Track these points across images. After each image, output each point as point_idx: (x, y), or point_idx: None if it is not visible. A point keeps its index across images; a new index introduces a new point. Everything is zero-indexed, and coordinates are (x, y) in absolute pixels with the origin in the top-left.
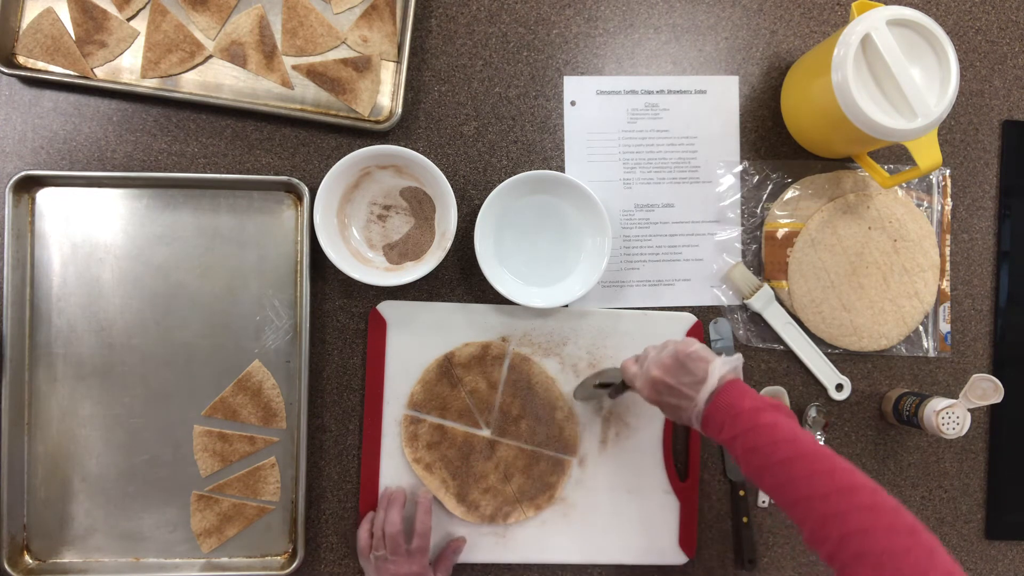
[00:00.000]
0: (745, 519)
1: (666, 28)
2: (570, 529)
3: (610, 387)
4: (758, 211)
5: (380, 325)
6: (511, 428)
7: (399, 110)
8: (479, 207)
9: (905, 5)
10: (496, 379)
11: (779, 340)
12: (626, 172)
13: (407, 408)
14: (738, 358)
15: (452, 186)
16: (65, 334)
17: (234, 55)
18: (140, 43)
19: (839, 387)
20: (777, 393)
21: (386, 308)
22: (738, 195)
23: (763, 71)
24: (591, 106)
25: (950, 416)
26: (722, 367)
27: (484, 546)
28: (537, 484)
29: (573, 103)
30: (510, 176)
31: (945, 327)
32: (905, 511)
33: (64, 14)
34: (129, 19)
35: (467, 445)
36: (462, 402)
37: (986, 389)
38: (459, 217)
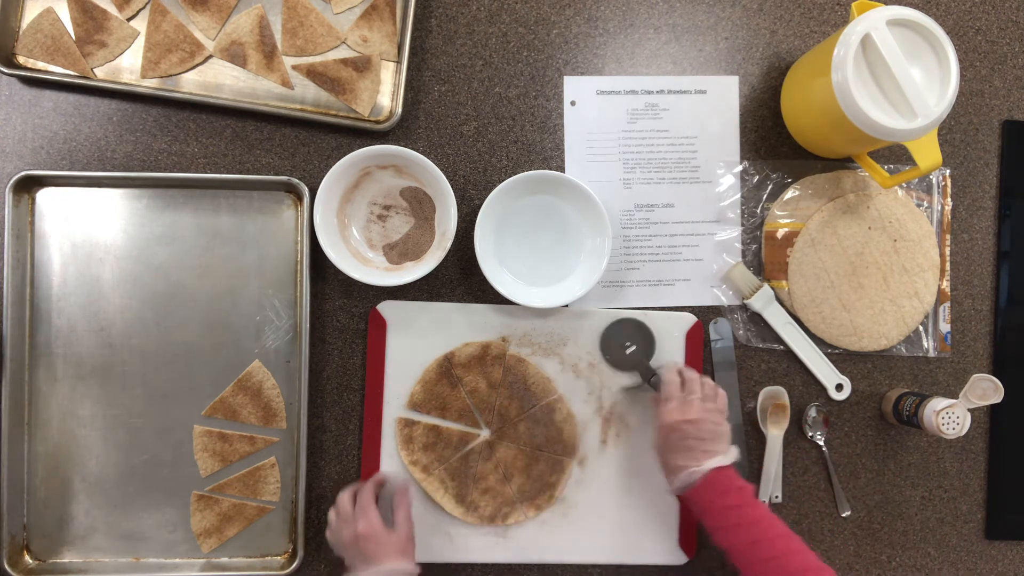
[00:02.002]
0: None
1: (666, 28)
2: (570, 529)
3: (642, 375)
4: (758, 211)
5: (380, 325)
6: (510, 430)
7: (399, 110)
8: (479, 207)
9: (905, 5)
10: (496, 379)
11: (779, 340)
12: (626, 172)
13: (406, 408)
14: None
15: (452, 186)
16: (65, 334)
17: (234, 55)
18: (140, 43)
19: (839, 387)
20: (777, 393)
21: (386, 308)
22: (738, 195)
23: (763, 71)
24: (591, 106)
25: (950, 416)
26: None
27: (484, 546)
28: (537, 484)
29: (573, 103)
30: (510, 176)
31: (945, 327)
32: None
33: (64, 14)
34: (129, 19)
35: (464, 446)
36: (462, 402)
37: (986, 389)
38: (459, 217)
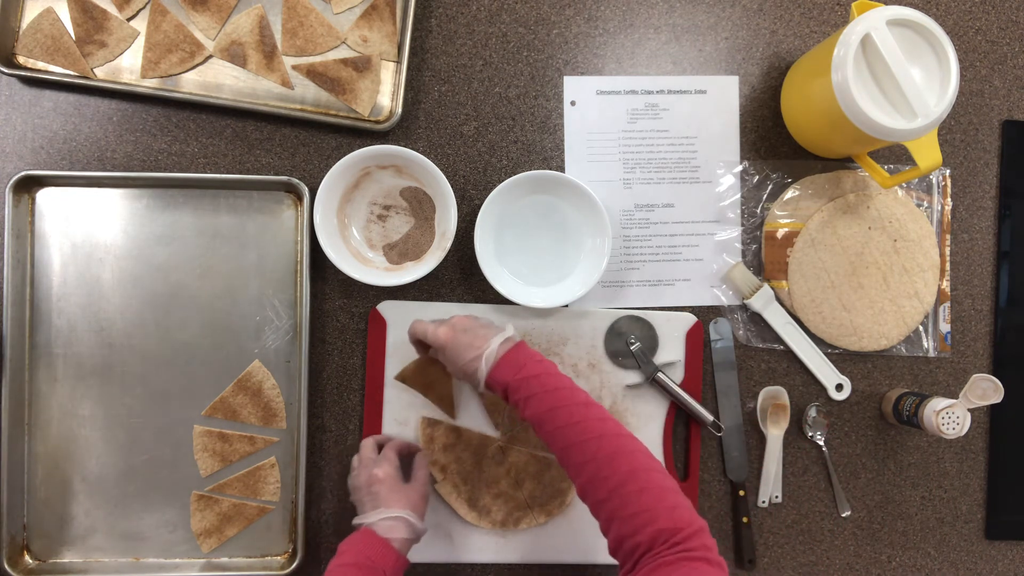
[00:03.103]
0: (745, 519)
1: (666, 28)
2: (571, 529)
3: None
4: (758, 211)
5: (380, 325)
6: (522, 433)
7: (399, 110)
8: (479, 207)
9: (905, 5)
10: None
11: (779, 340)
12: (626, 172)
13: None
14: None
15: (452, 186)
16: (65, 334)
17: (234, 55)
18: (140, 43)
19: (839, 387)
20: (777, 393)
21: (386, 308)
22: (738, 195)
23: (763, 71)
24: (591, 106)
25: (950, 416)
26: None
27: (484, 546)
28: (548, 490)
29: (573, 103)
30: (510, 176)
31: (945, 327)
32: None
33: (64, 14)
34: (129, 19)
35: (481, 449)
36: (447, 388)
37: (986, 389)
38: (459, 217)
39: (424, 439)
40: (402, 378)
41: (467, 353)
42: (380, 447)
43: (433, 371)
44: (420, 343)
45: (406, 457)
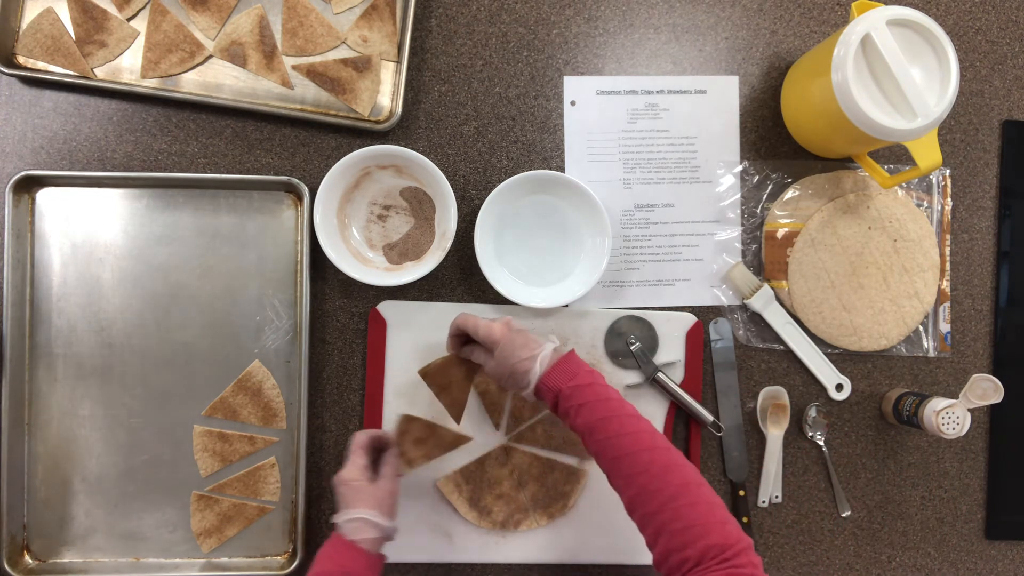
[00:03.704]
0: (745, 519)
1: (666, 28)
2: (572, 531)
3: (643, 372)
4: (758, 211)
5: (380, 325)
6: (527, 433)
7: (399, 110)
8: (479, 207)
9: (905, 5)
10: None
11: (779, 340)
12: (626, 172)
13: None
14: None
15: (452, 186)
16: (65, 334)
17: (234, 55)
18: (140, 43)
19: (839, 387)
20: (777, 393)
21: (386, 308)
22: (738, 195)
23: (763, 71)
24: (591, 106)
25: (950, 416)
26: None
27: (484, 546)
28: (551, 493)
29: (573, 103)
30: (510, 176)
31: (945, 327)
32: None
33: (64, 14)
34: (129, 19)
35: (453, 446)
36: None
37: (986, 389)
38: (459, 217)
39: (397, 432)
40: (425, 373)
41: (522, 352)
42: (374, 442)
43: (456, 372)
44: (457, 338)
45: (382, 450)
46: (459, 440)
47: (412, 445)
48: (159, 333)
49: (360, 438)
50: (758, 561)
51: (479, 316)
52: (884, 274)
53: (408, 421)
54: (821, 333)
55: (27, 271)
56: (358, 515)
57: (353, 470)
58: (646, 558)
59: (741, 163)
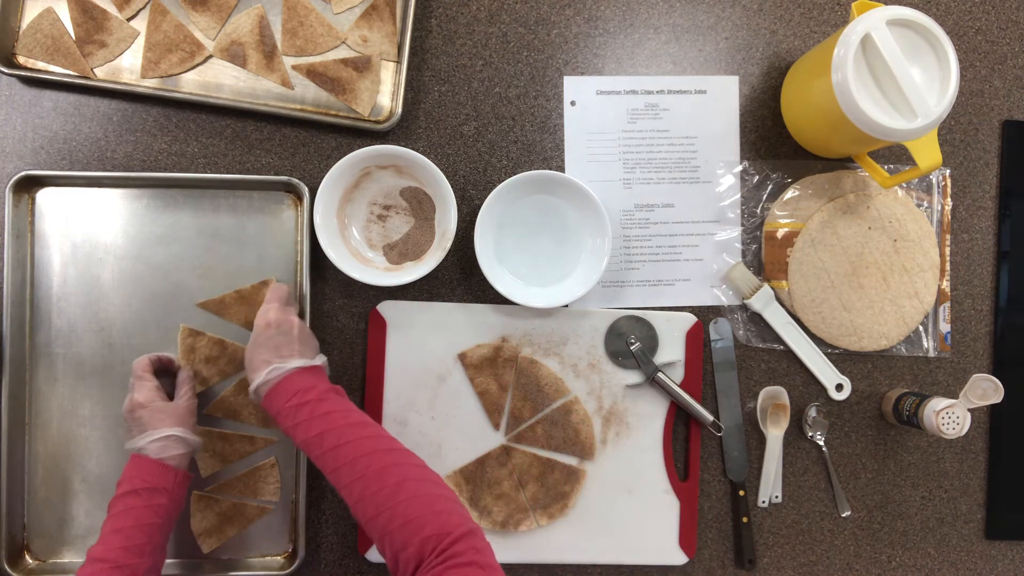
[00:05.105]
0: (745, 519)
1: (666, 28)
2: (570, 529)
3: (644, 372)
4: (758, 211)
5: (380, 325)
6: (527, 433)
7: (399, 110)
8: (479, 207)
9: (905, 5)
10: (507, 382)
11: (779, 340)
12: (626, 172)
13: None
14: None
15: (452, 186)
16: (65, 334)
17: (234, 55)
18: (140, 43)
19: (839, 387)
20: (777, 393)
21: (386, 308)
22: (738, 195)
23: (763, 71)
24: (591, 106)
25: (950, 416)
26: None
27: None
28: (551, 493)
29: (573, 103)
30: (510, 176)
31: (945, 327)
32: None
33: (64, 14)
34: (129, 19)
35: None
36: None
37: (986, 389)
38: (459, 217)
39: (184, 349)
40: (468, 364)
41: (262, 353)
42: (157, 365)
43: (493, 371)
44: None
45: (167, 373)
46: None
47: (203, 363)
48: (159, 333)
49: (142, 361)
50: (483, 546)
51: (280, 297)
52: (884, 274)
53: (192, 335)
54: (821, 333)
55: (27, 271)
56: (164, 433)
57: (146, 392)
58: (646, 558)
59: (741, 163)
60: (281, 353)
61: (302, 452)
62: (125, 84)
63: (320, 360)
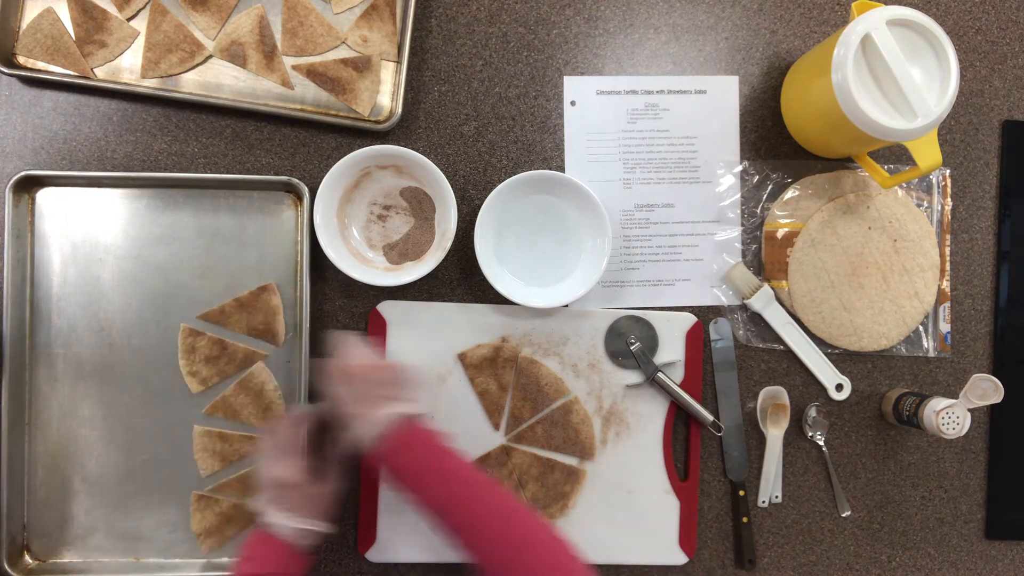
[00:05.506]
0: (745, 519)
1: (666, 28)
2: (571, 529)
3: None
4: (758, 211)
5: (380, 325)
6: (527, 433)
7: (399, 110)
8: (479, 207)
9: (905, 5)
10: (507, 382)
11: (779, 340)
12: (626, 172)
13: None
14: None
15: (452, 186)
16: (65, 334)
17: (234, 55)
18: (140, 43)
19: (839, 387)
20: (777, 393)
21: (386, 308)
22: (738, 195)
23: (763, 71)
24: (591, 106)
25: (950, 416)
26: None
27: None
28: (551, 493)
29: (573, 103)
30: (510, 176)
31: (945, 327)
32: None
33: (64, 14)
34: (129, 19)
35: (247, 362)
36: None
37: (986, 389)
38: (459, 217)
39: (184, 349)
40: (469, 364)
41: (356, 406)
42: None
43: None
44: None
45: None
46: (252, 357)
47: (204, 364)
48: (159, 333)
49: (298, 428)
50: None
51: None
52: (884, 274)
53: (193, 335)
54: (821, 333)
55: (27, 271)
56: (312, 527)
57: (300, 473)
58: (646, 558)
59: (741, 163)
60: (374, 400)
61: None
62: (125, 84)
63: (422, 407)
